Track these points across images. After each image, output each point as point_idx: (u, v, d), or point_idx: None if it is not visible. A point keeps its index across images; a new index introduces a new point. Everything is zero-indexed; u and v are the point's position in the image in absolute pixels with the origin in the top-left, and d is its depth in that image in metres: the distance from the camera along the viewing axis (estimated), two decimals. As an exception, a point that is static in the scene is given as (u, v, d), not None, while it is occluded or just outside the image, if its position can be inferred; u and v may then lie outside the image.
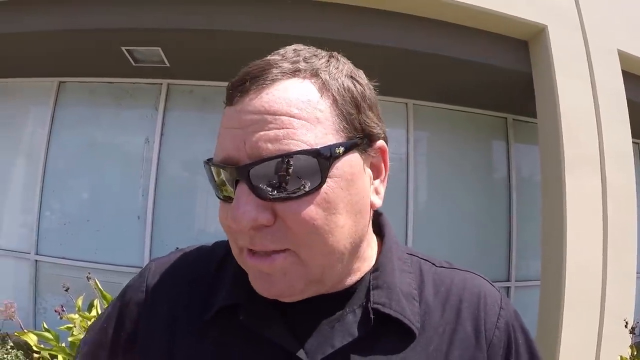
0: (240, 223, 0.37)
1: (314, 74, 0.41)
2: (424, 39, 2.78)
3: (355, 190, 0.41)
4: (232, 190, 0.39)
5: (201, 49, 2.97)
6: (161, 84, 3.36)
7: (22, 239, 3.47)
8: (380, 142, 0.45)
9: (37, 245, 3.41)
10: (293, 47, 0.44)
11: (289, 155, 0.37)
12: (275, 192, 0.37)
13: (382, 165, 0.46)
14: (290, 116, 0.38)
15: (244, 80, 0.40)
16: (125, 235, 3.23)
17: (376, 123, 0.44)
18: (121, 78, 3.32)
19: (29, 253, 3.42)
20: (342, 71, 0.43)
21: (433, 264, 0.53)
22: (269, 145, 0.37)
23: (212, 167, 0.42)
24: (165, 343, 0.47)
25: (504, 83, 3.15)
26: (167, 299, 0.50)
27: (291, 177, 0.37)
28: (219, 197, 0.42)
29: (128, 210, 3.22)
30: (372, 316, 0.44)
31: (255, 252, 0.40)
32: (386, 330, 0.45)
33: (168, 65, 3.18)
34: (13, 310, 2.39)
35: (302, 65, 0.41)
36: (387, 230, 0.52)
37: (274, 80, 0.39)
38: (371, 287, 0.46)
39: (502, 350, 0.48)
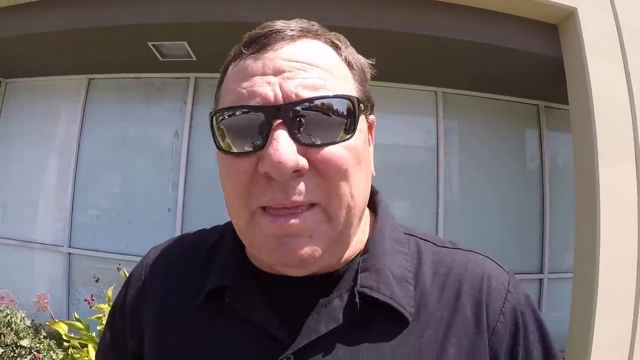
0: (285, 165, 0.35)
1: (331, 41, 0.43)
2: (452, 25, 2.70)
3: (367, 151, 0.44)
4: (262, 135, 0.37)
5: (226, 41, 2.97)
6: (188, 77, 3.38)
7: (56, 233, 3.56)
8: (373, 116, 0.47)
9: (70, 238, 3.49)
10: (297, 19, 0.44)
11: (332, 96, 0.37)
12: (312, 137, 0.37)
13: (370, 137, 0.47)
14: (324, 69, 0.39)
15: (269, 33, 0.40)
16: (155, 227, 3.26)
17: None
18: (149, 73, 3.36)
19: (63, 246, 3.51)
20: (349, 46, 0.45)
21: (434, 243, 0.50)
22: (308, 92, 0.37)
23: (236, 114, 0.38)
24: (160, 328, 0.47)
25: (535, 69, 3.03)
26: (162, 285, 0.50)
27: (330, 122, 0.37)
28: (226, 151, 0.39)
29: (158, 202, 3.26)
30: (357, 300, 0.41)
31: (277, 214, 0.37)
32: (376, 315, 0.42)
33: (195, 58, 3.20)
34: (46, 301, 2.46)
35: (320, 32, 0.43)
36: (381, 209, 0.50)
37: (300, 37, 0.40)
38: (359, 270, 0.44)
39: (507, 338, 0.43)
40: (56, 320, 2.43)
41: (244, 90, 0.38)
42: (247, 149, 0.37)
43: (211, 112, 0.40)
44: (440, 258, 0.47)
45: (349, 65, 0.43)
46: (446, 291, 0.44)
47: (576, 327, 2.64)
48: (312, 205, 0.38)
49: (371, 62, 0.48)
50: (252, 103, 0.37)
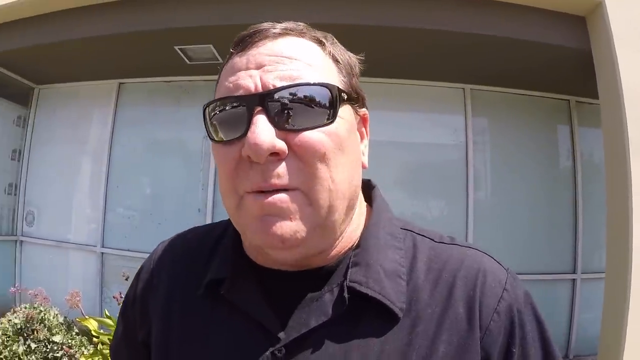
0: (261, 146, 0.37)
1: (315, 38, 0.45)
2: (478, 20, 2.65)
3: (353, 139, 0.44)
4: (245, 123, 0.39)
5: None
6: (216, 80, 3.43)
7: (90, 233, 3.68)
8: (364, 110, 0.49)
9: (103, 238, 3.59)
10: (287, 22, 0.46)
11: (307, 84, 0.39)
12: (291, 123, 0.39)
13: (364, 131, 0.49)
14: (303, 62, 0.41)
15: (254, 32, 0.43)
16: (186, 227, 3.29)
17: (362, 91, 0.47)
18: (178, 76, 3.42)
19: (96, 246, 3.62)
20: (336, 43, 0.47)
21: (431, 239, 0.48)
22: (285, 82, 0.39)
23: (220, 104, 0.41)
24: (165, 319, 0.49)
25: (564, 62, 2.95)
26: (167, 277, 0.52)
27: (308, 109, 0.39)
28: (214, 140, 0.42)
29: (188, 203, 3.32)
30: (346, 295, 0.41)
31: (261, 194, 0.39)
32: (366, 311, 0.42)
33: (221, 61, 3.22)
34: (78, 299, 2.54)
35: (305, 31, 0.44)
36: (377, 204, 0.50)
37: (282, 34, 0.43)
38: (350, 265, 0.43)
39: (501, 338, 0.42)
40: (86, 317, 2.52)
41: (230, 85, 0.41)
42: (234, 136, 0.40)
43: (203, 106, 0.42)
44: (436, 253, 0.46)
45: (334, 59, 0.44)
46: (439, 287, 0.43)
47: (608, 328, 2.55)
48: (293, 189, 0.39)
49: (360, 57, 0.49)
50: (238, 93, 0.40)
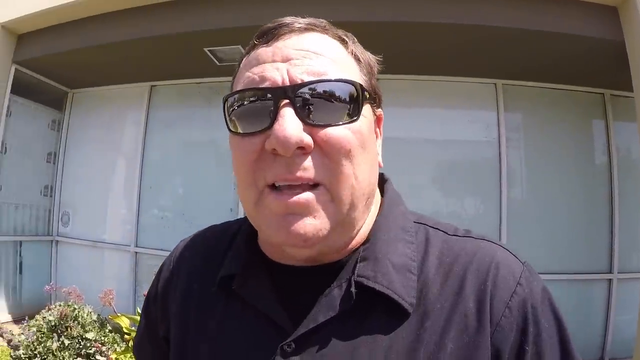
0: (290, 139, 0.36)
1: (338, 36, 0.45)
2: (508, 13, 2.61)
3: (372, 138, 0.44)
4: (271, 116, 0.38)
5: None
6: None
7: (123, 233, 3.77)
8: (380, 110, 0.48)
9: (137, 238, 3.67)
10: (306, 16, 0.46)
11: (336, 80, 0.39)
12: (317, 117, 0.38)
13: (379, 130, 0.49)
14: (330, 59, 0.41)
15: (279, 25, 0.42)
16: (219, 227, 3.36)
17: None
18: (208, 78, 3.47)
19: (130, 246, 3.70)
20: (357, 42, 0.47)
21: (445, 232, 0.47)
22: (313, 77, 0.39)
23: (244, 95, 0.40)
24: (183, 314, 0.50)
25: (596, 54, 2.87)
26: (186, 274, 0.52)
27: (334, 104, 0.39)
28: (235, 132, 0.41)
29: (220, 202, 3.37)
30: (353, 290, 0.41)
31: (282, 192, 0.38)
32: (375, 306, 0.41)
33: (251, 62, 3.27)
34: (111, 297, 2.58)
35: (328, 28, 0.45)
36: (388, 197, 0.49)
37: (308, 30, 0.42)
38: (359, 260, 0.43)
39: (513, 334, 0.39)
40: (118, 314, 2.56)
41: (255, 76, 0.40)
42: (257, 128, 0.39)
43: (224, 97, 0.41)
44: (448, 247, 0.45)
45: (356, 58, 0.45)
46: (450, 281, 0.42)
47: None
48: (316, 185, 0.39)
49: (379, 59, 0.49)
50: (261, 86, 0.39)
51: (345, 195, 0.40)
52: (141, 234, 3.66)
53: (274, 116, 0.38)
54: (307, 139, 0.38)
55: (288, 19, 0.43)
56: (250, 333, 0.44)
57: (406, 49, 2.96)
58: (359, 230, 0.44)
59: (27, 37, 3.64)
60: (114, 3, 3.11)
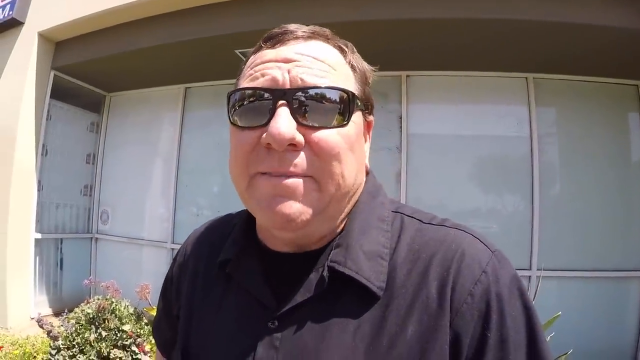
0: (284, 136, 0.40)
1: (338, 46, 0.48)
2: (538, 6, 2.57)
3: (361, 142, 0.49)
4: (268, 113, 0.42)
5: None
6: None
7: (161, 231, 3.90)
8: (371, 117, 0.52)
9: (173, 235, 3.80)
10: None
11: (331, 88, 0.43)
12: (310, 119, 0.42)
13: (368, 135, 0.53)
14: (329, 65, 0.45)
15: (285, 32, 0.46)
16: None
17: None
18: (241, 79, 3.53)
19: (166, 242, 3.84)
20: (355, 52, 0.50)
21: (420, 220, 0.49)
22: (312, 78, 0.43)
23: (247, 93, 0.43)
24: (190, 296, 0.55)
25: (629, 45, 2.79)
26: (194, 259, 0.58)
27: (327, 108, 0.42)
28: (236, 125, 0.45)
29: (255, 201, 3.42)
30: (326, 274, 0.44)
31: (274, 176, 0.42)
32: (346, 290, 0.44)
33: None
34: (148, 291, 2.67)
35: (330, 37, 0.48)
36: (366, 190, 0.51)
37: (311, 38, 0.46)
38: (333, 247, 0.46)
39: (474, 321, 0.40)
40: (153, 307, 2.65)
41: (257, 73, 0.44)
42: (255, 123, 0.43)
43: (228, 93, 0.45)
44: (421, 234, 0.47)
45: (352, 67, 0.48)
46: (416, 267, 0.44)
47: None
48: (305, 176, 0.42)
49: (374, 69, 0.52)
50: (262, 81, 0.43)
51: (330, 189, 0.43)
52: (177, 231, 3.78)
53: (271, 114, 0.42)
54: (299, 138, 0.41)
55: (293, 26, 0.47)
56: (242, 311, 0.49)
57: (435, 45, 2.96)
58: (340, 223, 0.48)
59: (64, 44, 3.80)
60: (147, 10, 3.23)
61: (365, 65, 0.51)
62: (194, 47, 3.24)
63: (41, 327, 2.57)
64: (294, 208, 0.42)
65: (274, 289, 0.47)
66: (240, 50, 3.30)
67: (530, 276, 3.07)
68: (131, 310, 2.83)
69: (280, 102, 0.42)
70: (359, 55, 0.51)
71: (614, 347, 3.04)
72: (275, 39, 0.46)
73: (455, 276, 0.42)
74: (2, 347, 3.00)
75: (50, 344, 2.62)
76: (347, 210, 0.49)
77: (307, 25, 0.49)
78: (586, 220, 3.21)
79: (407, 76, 3.33)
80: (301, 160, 0.42)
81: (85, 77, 4.06)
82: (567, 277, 3.08)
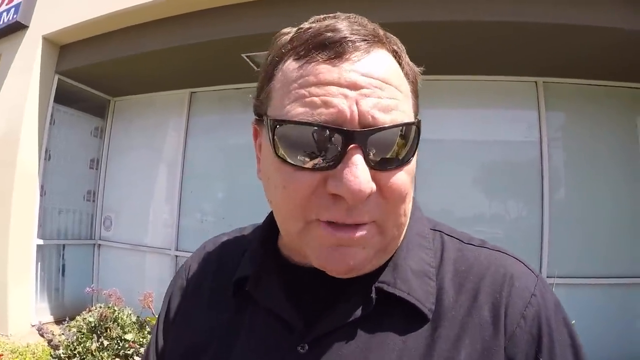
0: (364, 193, 0.35)
1: (393, 50, 0.42)
2: (546, 8, 2.55)
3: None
4: (336, 154, 0.36)
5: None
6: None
7: (164, 237, 3.86)
8: None
9: (177, 242, 3.75)
10: (352, 15, 0.42)
11: (404, 125, 0.37)
12: (382, 161, 0.37)
13: None
14: (396, 87, 0.38)
15: (341, 41, 0.38)
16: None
17: None
18: (247, 83, 3.51)
19: (170, 249, 3.79)
20: (405, 52, 0.43)
21: (460, 240, 0.47)
22: (383, 115, 0.36)
23: (308, 127, 0.36)
24: (189, 314, 0.51)
25: (638, 48, 2.76)
26: (197, 275, 0.54)
27: (397, 146, 0.37)
28: (286, 161, 0.37)
29: (260, 207, 3.37)
30: (373, 296, 0.41)
31: (338, 228, 0.37)
32: (393, 311, 0.41)
33: (288, 67, 3.30)
34: (151, 299, 2.63)
35: (384, 38, 0.41)
36: None
37: (372, 46, 0.39)
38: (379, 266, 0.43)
39: (528, 345, 0.39)
40: (156, 315, 2.60)
41: (317, 99, 0.36)
42: (317, 165, 0.36)
43: (273, 119, 0.38)
44: (463, 255, 0.45)
45: (407, 77, 0.42)
46: (464, 289, 0.42)
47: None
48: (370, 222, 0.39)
49: (421, 69, 0.46)
50: (327, 114, 0.36)
51: (393, 230, 0.41)
52: (182, 237, 3.74)
53: (340, 158, 0.36)
54: (374, 187, 0.36)
55: (345, 28, 0.38)
56: (263, 334, 0.44)
57: (443, 49, 2.94)
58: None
59: (68, 48, 3.79)
60: (152, 13, 3.21)
61: (415, 69, 0.45)
62: (200, 51, 3.22)
63: (42, 335, 2.52)
64: (357, 259, 0.38)
65: (300, 308, 0.43)
66: (246, 54, 3.28)
67: (541, 283, 3.01)
68: (134, 319, 2.79)
69: (352, 145, 0.35)
70: (407, 57, 0.44)
71: (625, 354, 2.99)
72: (333, 49, 0.37)
73: (507, 299, 0.41)
74: (2, 355, 2.95)
75: (51, 352, 2.57)
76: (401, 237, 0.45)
77: (354, 20, 0.40)
78: (596, 225, 3.17)
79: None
80: (371, 208, 0.37)
81: (89, 82, 4.05)
82: (577, 284, 3.03)
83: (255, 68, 3.39)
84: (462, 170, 3.26)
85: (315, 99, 0.36)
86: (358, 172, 0.35)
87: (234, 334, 0.46)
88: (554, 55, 2.97)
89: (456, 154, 3.27)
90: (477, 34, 2.73)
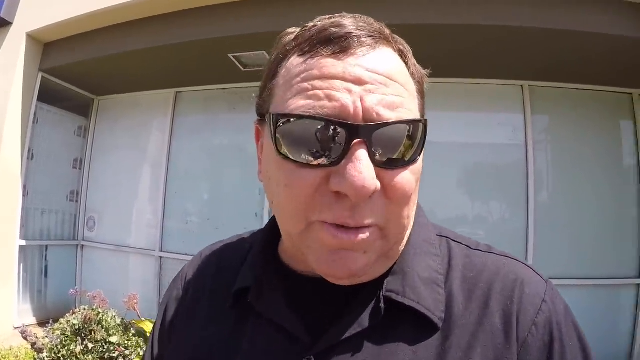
0: (368, 189, 0.34)
1: (399, 49, 0.41)
2: (534, 13, 2.57)
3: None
4: (339, 150, 0.35)
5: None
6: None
7: (149, 238, 3.80)
8: None
9: (162, 243, 3.71)
10: (358, 15, 0.41)
11: (409, 122, 0.36)
12: (387, 159, 0.36)
13: None
14: (402, 85, 0.38)
15: (347, 36, 0.37)
16: (243, 231, 3.37)
17: None
18: (233, 84, 3.49)
19: (155, 250, 3.74)
20: (410, 52, 0.43)
21: (467, 246, 0.46)
22: (388, 112, 0.36)
23: (310, 122, 0.35)
24: (187, 326, 0.49)
25: (625, 54, 2.80)
26: (194, 285, 0.52)
27: (402, 145, 0.36)
28: (290, 159, 0.36)
29: (246, 208, 3.38)
30: (382, 305, 0.40)
31: (340, 230, 0.36)
32: (402, 320, 0.40)
33: (276, 67, 3.29)
34: (135, 301, 2.60)
35: (389, 37, 0.40)
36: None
37: (377, 42, 0.38)
38: (385, 273, 0.42)
39: (539, 351, 0.39)
40: (142, 319, 2.58)
41: (320, 92, 0.35)
42: (320, 161, 0.35)
43: (275, 114, 0.36)
44: (471, 261, 0.44)
45: (413, 77, 0.41)
46: (474, 296, 0.41)
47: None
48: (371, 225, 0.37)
49: (429, 72, 0.45)
50: (330, 108, 0.35)
51: (395, 234, 0.39)
52: (166, 238, 3.70)
53: (343, 154, 0.34)
54: (378, 185, 0.35)
55: (350, 24, 0.38)
56: (265, 346, 0.42)
57: (429, 52, 2.94)
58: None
59: (52, 45, 3.73)
60: (138, 11, 3.17)
61: (421, 71, 0.44)
62: (185, 51, 3.19)
63: (25, 338, 2.48)
64: (359, 263, 0.37)
65: (304, 319, 0.42)
66: (233, 54, 3.25)
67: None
68: (118, 321, 2.75)
69: (357, 140, 0.34)
70: (413, 58, 0.43)
71: (607, 355, 3.02)
72: (337, 44, 0.37)
73: (518, 306, 0.40)
74: (-18, 358, 2.88)
75: (34, 356, 2.53)
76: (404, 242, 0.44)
77: (360, 18, 0.40)
78: (580, 227, 3.21)
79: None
80: (375, 209, 0.36)
81: (73, 80, 3.99)
82: (562, 285, 3.05)
83: (242, 68, 3.36)
84: (447, 172, 3.27)
85: (319, 92, 0.35)
86: (362, 167, 0.34)
87: (235, 346, 0.44)
88: (540, 59, 2.99)
89: (442, 156, 3.27)
90: (465, 37, 2.73)
